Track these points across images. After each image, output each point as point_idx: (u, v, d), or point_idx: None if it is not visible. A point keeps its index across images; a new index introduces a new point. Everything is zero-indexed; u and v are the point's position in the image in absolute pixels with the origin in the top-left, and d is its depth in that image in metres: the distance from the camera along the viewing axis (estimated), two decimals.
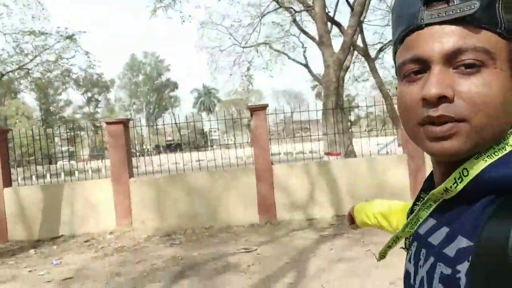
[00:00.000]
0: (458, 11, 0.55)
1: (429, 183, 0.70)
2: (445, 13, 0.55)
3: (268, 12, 18.22)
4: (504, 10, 0.55)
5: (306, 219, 7.81)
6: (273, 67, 23.50)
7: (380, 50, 19.50)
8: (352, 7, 17.34)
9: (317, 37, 19.30)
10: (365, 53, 17.14)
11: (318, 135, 9.53)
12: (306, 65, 24.03)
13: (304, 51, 24.34)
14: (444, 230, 0.60)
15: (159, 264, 5.94)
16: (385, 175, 7.80)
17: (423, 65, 0.57)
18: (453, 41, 0.55)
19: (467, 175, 0.56)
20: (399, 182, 7.75)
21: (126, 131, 8.25)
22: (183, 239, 7.32)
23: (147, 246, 7.05)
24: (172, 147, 32.87)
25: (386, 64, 22.70)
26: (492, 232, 0.50)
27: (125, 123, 8.22)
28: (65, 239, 7.87)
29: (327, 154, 11.98)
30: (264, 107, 8.07)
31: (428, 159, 7.00)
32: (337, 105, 13.67)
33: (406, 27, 0.60)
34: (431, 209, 0.64)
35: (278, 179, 7.91)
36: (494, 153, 0.55)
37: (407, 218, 0.71)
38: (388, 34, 22.43)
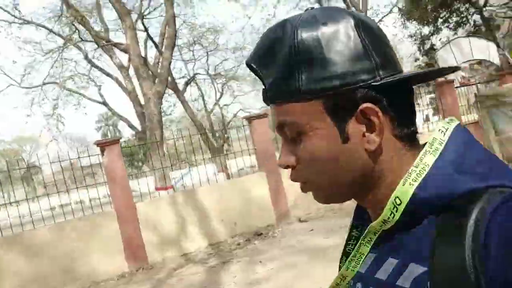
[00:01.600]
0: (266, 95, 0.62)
1: (358, 220, 0.70)
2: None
3: (63, 49, 16.72)
4: (301, 75, 0.56)
5: (181, 255, 7.27)
6: (79, 106, 21.73)
7: (187, 83, 19.96)
8: (153, 40, 17.37)
9: (114, 74, 18.67)
10: (174, 87, 17.35)
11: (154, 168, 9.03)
12: (104, 103, 22.79)
13: (99, 89, 23.11)
14: (391, 261, 0.59)
15: None
16: (249, 193, 7.95)
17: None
18: (277, 118, 0.61)
19: (400, 204, 0.56)
20: (262, 197, 8.01)
21: None
22: None
23: None
24: None
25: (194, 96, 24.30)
26: (446, 255, 0.51)
27: None
28: None
29: (158, 189, 11.51)
30: (116, 141, 7.26)
31: (285, 174, 7.49)
32: (162, 138, 13.39)
33: None
34: (372, 242, 0.61)
35: (143, 218, 7.16)
36: (417, 176, 0.55)
37: (340, 262, 0.69)
38: (190, 68, 23.44)
